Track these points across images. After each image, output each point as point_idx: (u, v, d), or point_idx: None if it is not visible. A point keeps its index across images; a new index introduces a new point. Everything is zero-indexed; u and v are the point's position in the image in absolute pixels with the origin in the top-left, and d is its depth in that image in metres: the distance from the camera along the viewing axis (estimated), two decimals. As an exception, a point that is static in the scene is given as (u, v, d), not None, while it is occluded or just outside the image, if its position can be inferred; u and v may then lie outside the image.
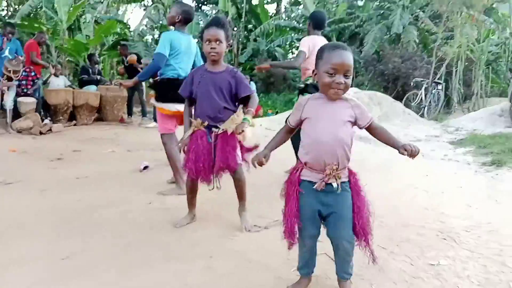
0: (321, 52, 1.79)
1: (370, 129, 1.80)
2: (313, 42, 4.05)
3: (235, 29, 17.02)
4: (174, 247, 2.47)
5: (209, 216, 2.97)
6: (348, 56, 1.72)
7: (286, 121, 1.97)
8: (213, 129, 2.61)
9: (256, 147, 2.81)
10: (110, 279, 2.07)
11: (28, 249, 2.42)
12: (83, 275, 2.11)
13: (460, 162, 5.58)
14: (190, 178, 2.70)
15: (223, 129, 2.58)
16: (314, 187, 1.76)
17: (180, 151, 2.71)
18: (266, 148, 1.92)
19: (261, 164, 1.87)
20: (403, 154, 1.71)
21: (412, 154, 1.69)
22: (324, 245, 2.03)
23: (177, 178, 3.59)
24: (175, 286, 2.01)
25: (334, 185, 1.74)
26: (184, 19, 3.59)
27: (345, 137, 1.75)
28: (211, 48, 2.56)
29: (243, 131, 2.47)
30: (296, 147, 3.64)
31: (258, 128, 7.96)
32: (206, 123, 2.61)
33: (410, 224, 2.95)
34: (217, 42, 2.55)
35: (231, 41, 2.70)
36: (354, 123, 1.78)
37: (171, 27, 3.73)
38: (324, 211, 1.79)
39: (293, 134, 1.96)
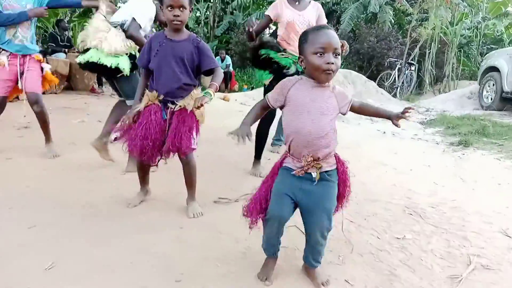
0: (304, 35, 1.69)
1: (353, 109, 1.76)
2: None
3: (211, 1, 16.64)
4: (144, 218, 2.45)
5: (179, 188, 2.93)
6: (334, 35, 1.63)
7: (264, 97, 1.81)
8: (169, 104, 2.38)
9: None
10: (79, 248, 2.04)
11: (-8, 218, 2.35)
12: (51, 243, 2.07)
13: (429, 141, 5.73)
14: (135, 157, 2.49)
15: (180, 106, 2.37)
16: (293, 173, 1.69)
17: (125, 124, 2.43)
18: (244, 123, 1.73)
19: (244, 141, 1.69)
20: (397, 125, 1.75)
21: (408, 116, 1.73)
22: (294, 218, 2.05)
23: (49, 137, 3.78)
24: (145, 256, 2.00)
25: (313, 174, 1.68)
26: None
27: (328, 128, 1.67)
28: (174, 15, 2.27)
29: (202, 105, 2.20)
30: (260, 133, 3.49)
31: (233, 103, 7.91)
32: (161, 97, 2.37)
33: (378, 200, 3.03)
34: (181, 9, 2.28)
35: (193, 5, 2.44)
36: (338, 110, 1.72)
37: None
38: (302, 198, 1.71)
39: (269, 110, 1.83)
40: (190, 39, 2.40)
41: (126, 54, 3.11)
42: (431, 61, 12.78)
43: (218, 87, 2.36)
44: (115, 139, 4.25)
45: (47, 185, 2.91)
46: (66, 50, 8.62)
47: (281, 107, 1.75)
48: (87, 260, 1.93)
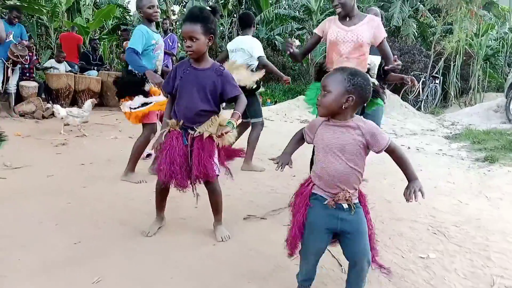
0: None
1: (387, 152, 1.74)
2: None
3: (235, 16, 16.96)
4: (179, 235, 2.61)
5: (209, 206, 3.09)
6: (329, 76, 1.73)
7: (302, 129, 1.92)
8: (189, 130, 2.43)
9: (241, 152, 2.71)
10: (121, 264, 2.21)
11: (40, 233, 2.54)
12: (95, 258, 2.25)
13: (454, 157, 5.73)
14: (161, 181, 2.49)
15: (199, 132, 2.41)
16: (325, 203, 1.74)
17: (155, 152, 2.53)
18: (285, 153, 1.95)
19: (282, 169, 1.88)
20: (404, 195, 1.72)
21: (414, 197, 1.69)
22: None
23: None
24: (183, 272, 2.15)
25: (345, 206, 1.72)
26: None
27: (356, 167, 1.72)
28: (186, 46, 2.34)
29: (222, 134, 2.27)
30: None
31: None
32: (181, 123, 2.43)
33: (402, 218, 3.10)
34: (193, 40, 2.31)
35: (214, 33, 2.38)
36: (367, 147, 1.73)
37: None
38: (342, 227, 1.73)
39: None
40: (213, 68, 2.43)
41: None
42: (456, 73, 12.67)
43: (240, 115, 2.40)
44: (147, 155, 4.50)
45: (87, 202, 3.11)
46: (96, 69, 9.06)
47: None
48: (130, 276, 2.09)
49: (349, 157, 1.71)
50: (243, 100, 2.45)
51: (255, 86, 4.20)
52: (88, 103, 5.89)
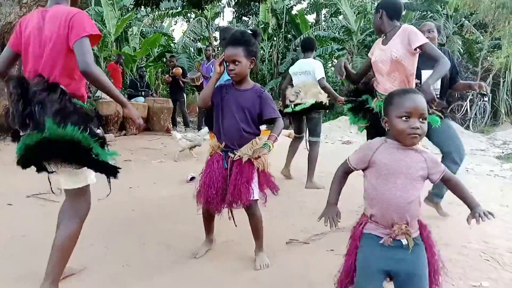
0: (390, 97, 1.65)
1: (443, 180, 1.65)
2: None
3: (275, 39, 17.23)
4: (222, 259, 2.64)
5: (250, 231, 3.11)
6: (421, 100, 1.57)
7: (345, 161, 1.73)
8: (229, 153, 2.45)
9: (276, 189, 2.60)
10: (164, 286, 2.26)
11: (91, 255, 2.66)
12: (145, 281, 2.32)
13: (507, 178, 5.46)
14: (201, 206, 2.56)
15: (239, 156, 2.42)
16: (381, 242, 1.57)
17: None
18: (330, 204, 1.72)
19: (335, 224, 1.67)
20: (468, 221, 1.62)
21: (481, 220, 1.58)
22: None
23: None
24: (225, 296, 2.18)
25: (404, 241, 1.56)
26: None
27: (417, 194, 1.59)
28: (229, 70, 2.41)
29: (259, 156, 2.30)
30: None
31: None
32: (223, 145, 2.47)
33: (452, 244, 2.97)
34: (236, 63, 2.38)
35: (255, 55, 2.45)
36: (426, 176, 1.62)
37: None
38: (394, 267, 1.58)
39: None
40: (254, 89, 2.50)
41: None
42: (506, 90, 12.15)
43: (277, 138, 2.41)
44: (191, 179, 4.60)
45: (135, 225, 3.23)
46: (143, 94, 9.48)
47: (363, 169, 1.68)
48: (175, 298, 2.14)
49: (412, 183, 1.58)
50: (280, 124, 2.48)
51: (328, 103, 4.58)
52: (206, 129, 6.19)
